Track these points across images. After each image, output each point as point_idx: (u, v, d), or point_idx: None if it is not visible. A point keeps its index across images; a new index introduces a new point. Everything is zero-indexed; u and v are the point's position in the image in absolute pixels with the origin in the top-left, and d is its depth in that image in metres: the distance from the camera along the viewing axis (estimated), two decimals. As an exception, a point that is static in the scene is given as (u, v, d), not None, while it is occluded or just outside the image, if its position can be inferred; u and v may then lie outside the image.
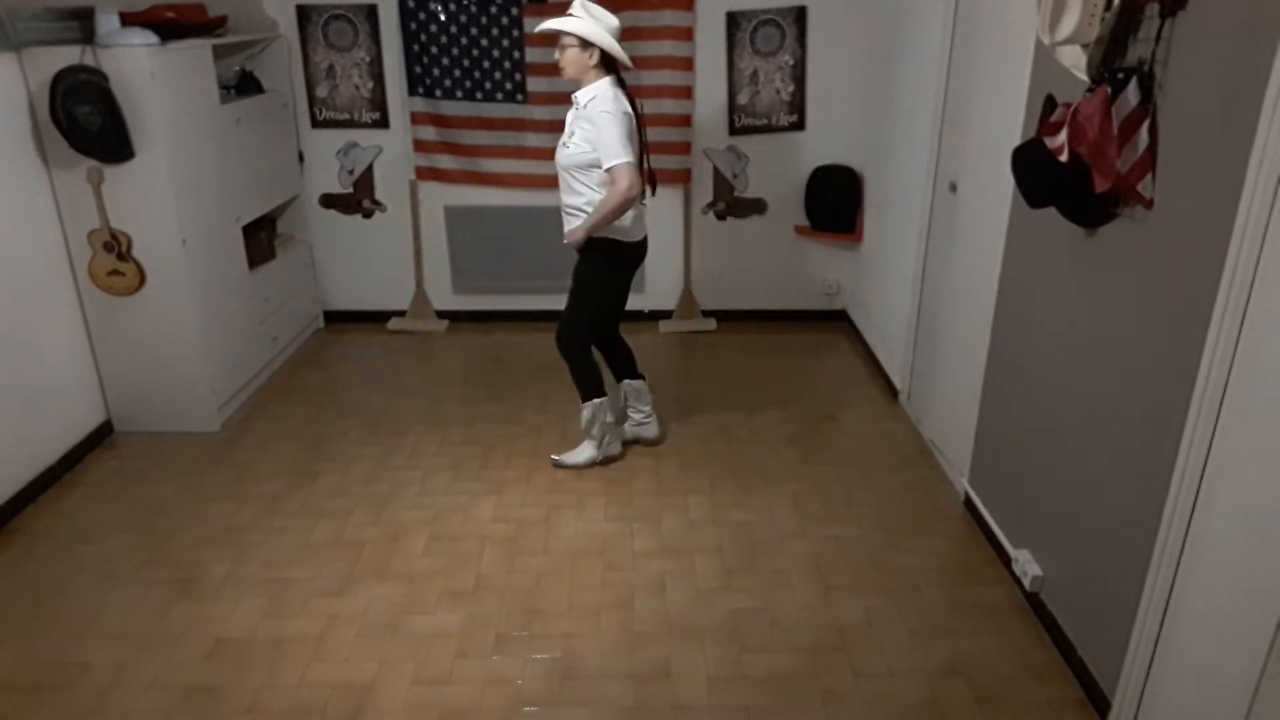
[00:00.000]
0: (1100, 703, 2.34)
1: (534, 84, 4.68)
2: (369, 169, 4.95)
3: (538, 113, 4.70)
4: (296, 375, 4.55)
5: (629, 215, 3.24)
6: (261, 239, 4.41)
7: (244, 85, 4.43)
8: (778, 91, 4.76)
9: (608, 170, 3.09)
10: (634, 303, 5.01)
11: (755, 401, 4.19)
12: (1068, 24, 2.21)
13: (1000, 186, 2.91)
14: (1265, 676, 1.76)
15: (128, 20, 3.60)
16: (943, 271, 3.62)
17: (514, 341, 4.96)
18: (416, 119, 4.78)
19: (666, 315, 5.18)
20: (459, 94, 4.72)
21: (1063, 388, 2.56)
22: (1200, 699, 1.97)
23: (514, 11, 4.55)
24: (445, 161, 4.87)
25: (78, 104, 3.30)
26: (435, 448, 3.79)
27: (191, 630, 2.70)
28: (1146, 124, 2.10)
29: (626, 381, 3.68)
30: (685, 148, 4.81)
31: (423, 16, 4.60)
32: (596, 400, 3.50)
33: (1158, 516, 2.08)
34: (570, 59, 3.13)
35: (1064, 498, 2.56)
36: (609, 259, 3.34)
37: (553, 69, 3.31)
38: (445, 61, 4.67)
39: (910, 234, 3.95)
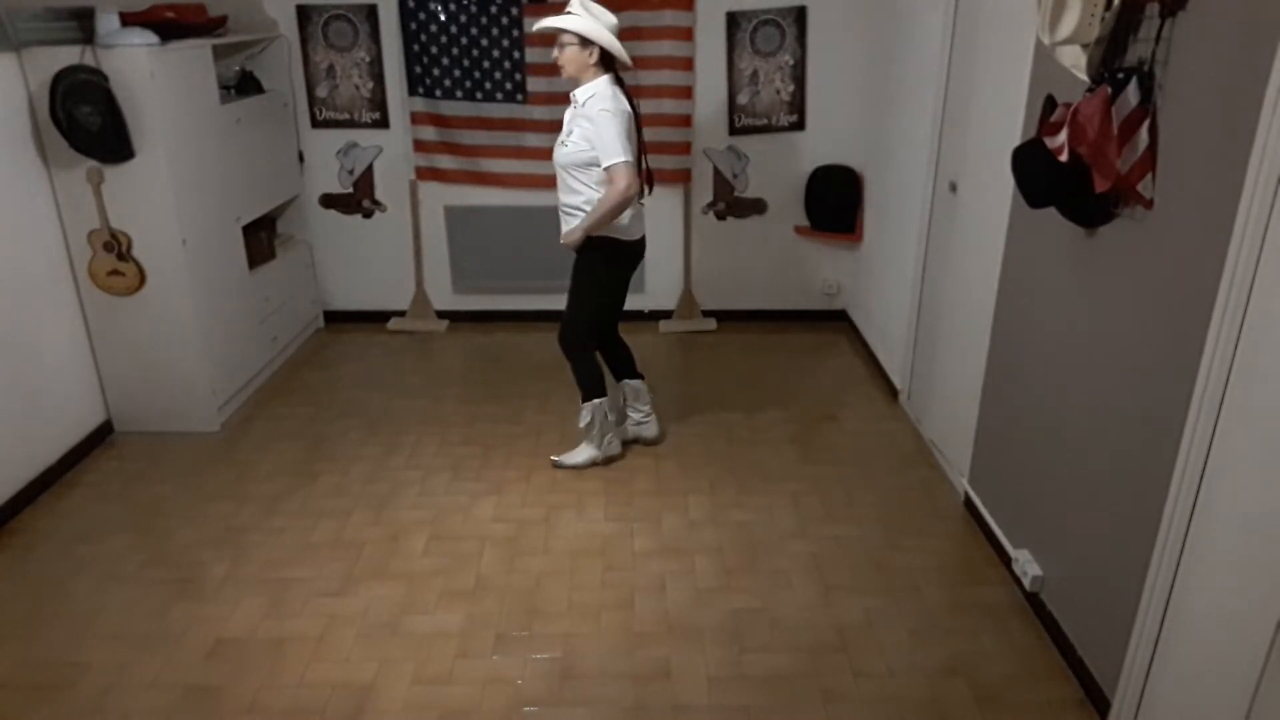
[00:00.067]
0: (1100, 703, 2.34)
1: (534, 84, 4.68)
2: (369, 169, 4.95)
3: (538, 113, 4.70)
4: (296, 375, 4.55)
5: (627, 214, 3.23)
6: (261, 239, 4.41)
7: (244, 85, 4.43)
8: (778, 91, 4.76)
9: (606, 169, 3.08)
10: (634, 303, 5.02)
11: (755, 401, 4.19)
12: (1068, 24, 2.21)
13: (1000, 186, 2.91)
14: (1265, 676, 1.76)
15: (128, 20, 3.60)
16: (943, 271, 3.62)
17: (514, 341, 4.96)
18: (416, 119, 4.78)
19: (666, 315, 5.18)
20: (459, 94, 4.72)
21: (1063, 388, 2.56)
22: (1200, 699, 1.97)
23: (514, 11, 4.55)
24: (445, 161, 4.87)
25: (78, 104, 3.30)
26: (435, 448, 3.79)
27: (191, 630, 2.70)
28: (1146, 124, 2.10)
29: (625, 381, 3.68)
30: (685, 148, 4.81)
31: (423, 16, 4.60)
32: (597, 401, 3.50)
33: (1158, 516, 2.08)
34: (570, 57, 3.12)
35: (1064, 498, 2.56)
36: (608, 258, 3.34)
37: (553, 69, 3.30)
38: (445, 61, 4.67)
39: (910, 234, 3.95)
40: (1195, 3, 1.96)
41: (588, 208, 3.20)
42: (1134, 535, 2.19)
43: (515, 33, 4.60)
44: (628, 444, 3.75)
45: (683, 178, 4.88)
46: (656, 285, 5.12)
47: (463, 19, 4.60)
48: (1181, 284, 2.01)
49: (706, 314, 5.18)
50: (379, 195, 5.00)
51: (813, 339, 4.96)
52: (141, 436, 3.89)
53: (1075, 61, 2.30)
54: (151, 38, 3.52)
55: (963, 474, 3.33)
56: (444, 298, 5.19)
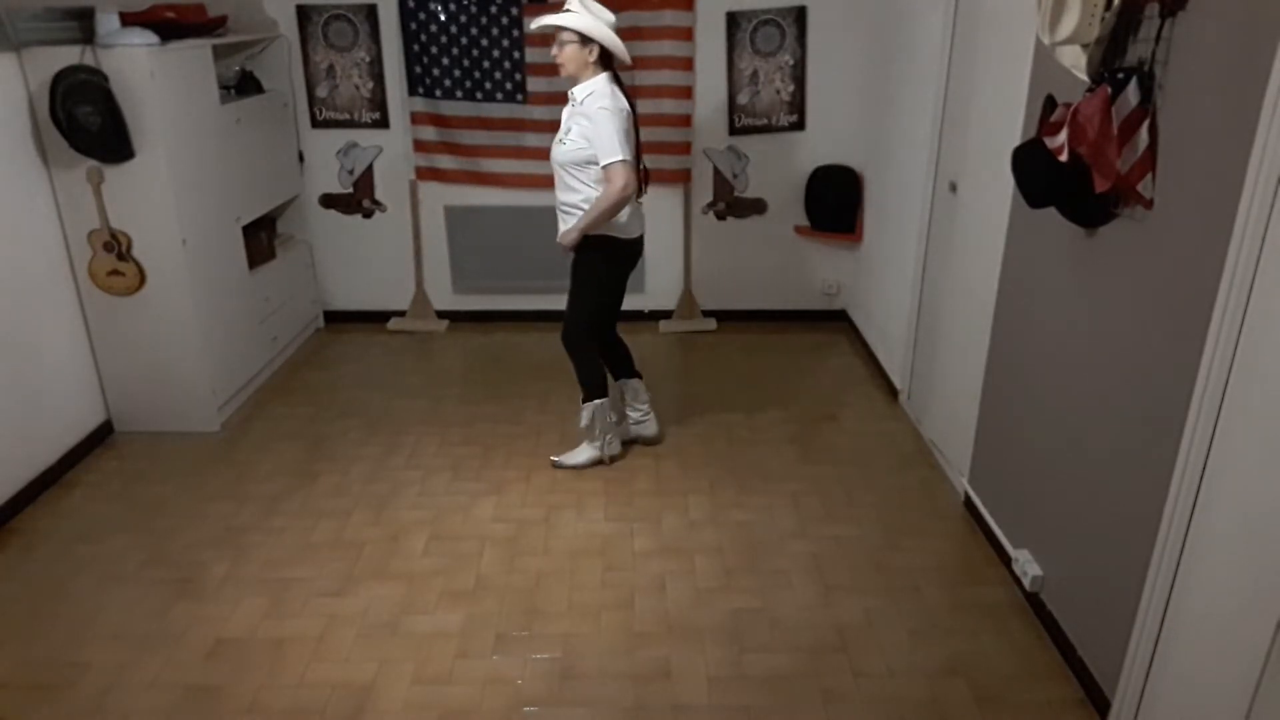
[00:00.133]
0: (1100, 703, 2.34)
1: (534, 84, 4.68)
2: (369, 169, 4.95)
3: (537, 113, 4.70)
4: (296, 375, 4.55)
5: (625, 212, 3.22)
6: (261, 239, 4.41)
7: (244, 85, 4.43)
8: (778, 91, 4.76)
9: (603, 168, 3.07)
10: (634, 303, 5.03)
11: (755, 401, 4.19)
12: (1068, 24, 2.21)
13: (1000, 186, 2.91)
14: (1265, 676, 1.76)
15: (128, 20, 3.60)
16: (943, 271, 3.62)
17: (514, 341, 4.96)
18: (416, 119, 4.78)
19: (666, 315, 5.18)
20: (459, 94, 4.72)
21: (1063, 388, 2.56)
22: (1200, 699, 1.97)
23: (514, 11, 4.55)
24: (445, 161, 4.87)
25: (78, 104, 3.30)
26: (435, 448, 3.79)
27: (191, 630, 2.70)
28: (1146, 124, 2.10)
29: (624, 380, 3.67)
30: (685, 148, 4.81)
31: (423, 16, 4.60)
32: (598, 401, 3.50)
33: (1158, 516, 2.08)
34: (570, 55, 3.11)
35: (1064, 498, 2.56)
36: (607, 257, 3.33)
37: (553, 69, 3.30)
38: (445, 61, 4.67)
39: (910, 234, 3.95)
40: (1195, 3, 1.96)
41: (586, 206, 3.19)
42: (1134, 535, 2.19)
43: (515, 33, 4.60)
44: (627, 444, 3.75)
45: (683, 178, 4.88)
46: (656, 285, 5.12)
47: (463, 19, 4.60)
48: (1181, 284, 2.01)
49: (706, 314, 5.18)
50: (379, 195, 5.00)
51: (813, 339, 4.95)
52: (141, 436, 3.89)
53: (1075, 61, 2.30)
54: (151, 38, 3.52)
55: (963, 474, 3.33)
56: (444, 298, 5.19)
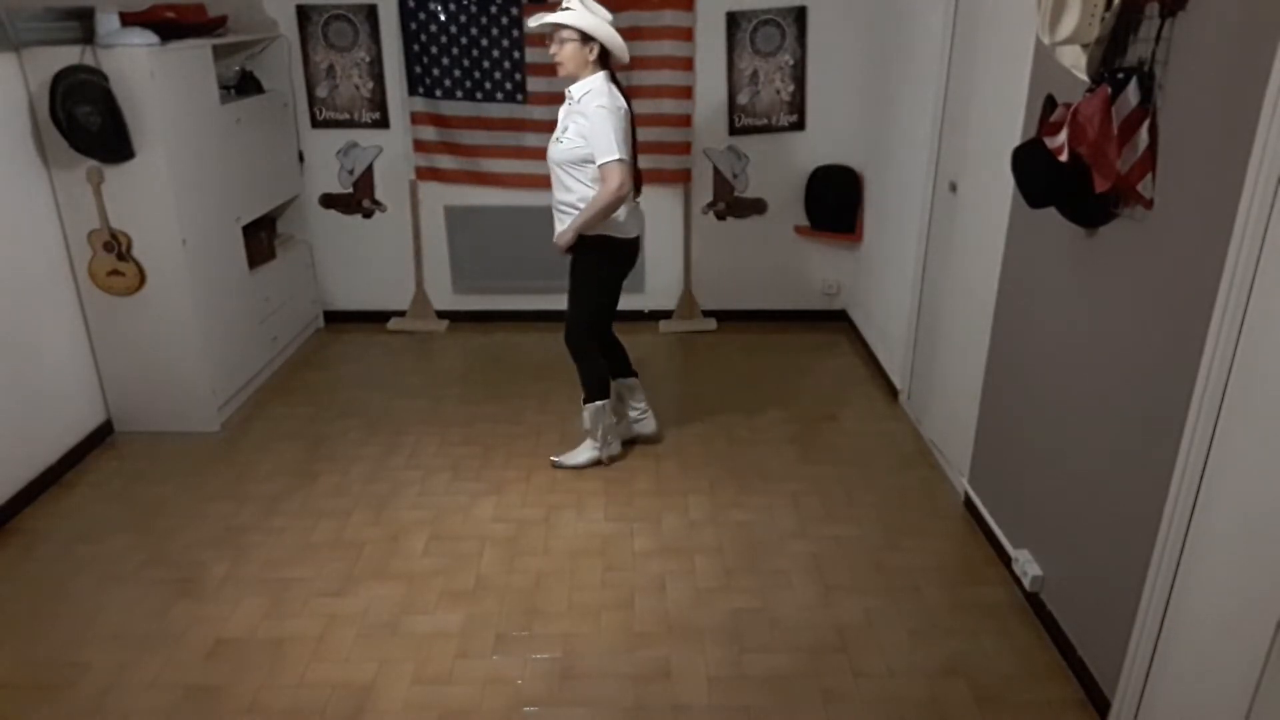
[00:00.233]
0: (1100, 703, 2.34)
1: (534, 84, 4.68)
2: (369, 169, 4.95)
3: (537, 113, 4.70)
4: (296, 375, 4.55)
5: (623, 211, 3.21)
6: (261, 239, 4.41)
7: (244, 85, 4.43)
8: (778, 91, 4.76)
9: (600, 167, 3.06)
10: (634, 303, 5.05)
11: (755, 401, 4.19)
12: (1068, 24, 2.21)
13: (1000, 186, 2.91)
14: (1265, 676, 1.76)
15: (128, 20, 3.60)
16: (943, 271, 3.62)
17: (514, 341, 4.96)
18: (416, 119, 4.78)
19: (666, 315, 5.18)
20: (459, 94, 4.72)
21: (1063, 388, 2.56)
22: (1200, 699, 1.97)
23: (514, 11, 4.55)
24: (445, 161, 4.87)
25: (78, 104, 3.30)
26: (435, 448, 3.79)
27: (191, 630, 2.70)
28: (1146, 124, 2.10)
29: (620, 380, 3.67)
30: (685, 148, 4.81)
31: (423, 16, 4.60)
32: (599, 403, 3.50)
33: (1158, 516, 2.08)
34: (570, 54, 3.10)
35: (1064, 498, 2.56)
36: (605, 257, 3.31)
37: (552, 69, 3.29)
38: (445, 61, 4.67)
39: (910, 234, 3.95)
40: (1195, 3, 1.96)
41: (582, 206, 3.18)
42: (1134, 535, 2.19)
43: (515, 33, 4.60)
44: (627, 444, 3.75)
45: (683, 178, 4.88)
46: (656, 285, 5.12)
47: (463, 19, 4.60)
48: (1181, 284, 2.01)
49: (706, 314, 5.18)
50: (379, 195, 5.00)
51: (813, 339, 4.95)
52: (141, 436, 3.89)
53: (1075, 61, 2.30)
54: (151, 38, 3.52)
55: (963, 474, 3.33)
56: (444, 298, 5.19)
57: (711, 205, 4.99)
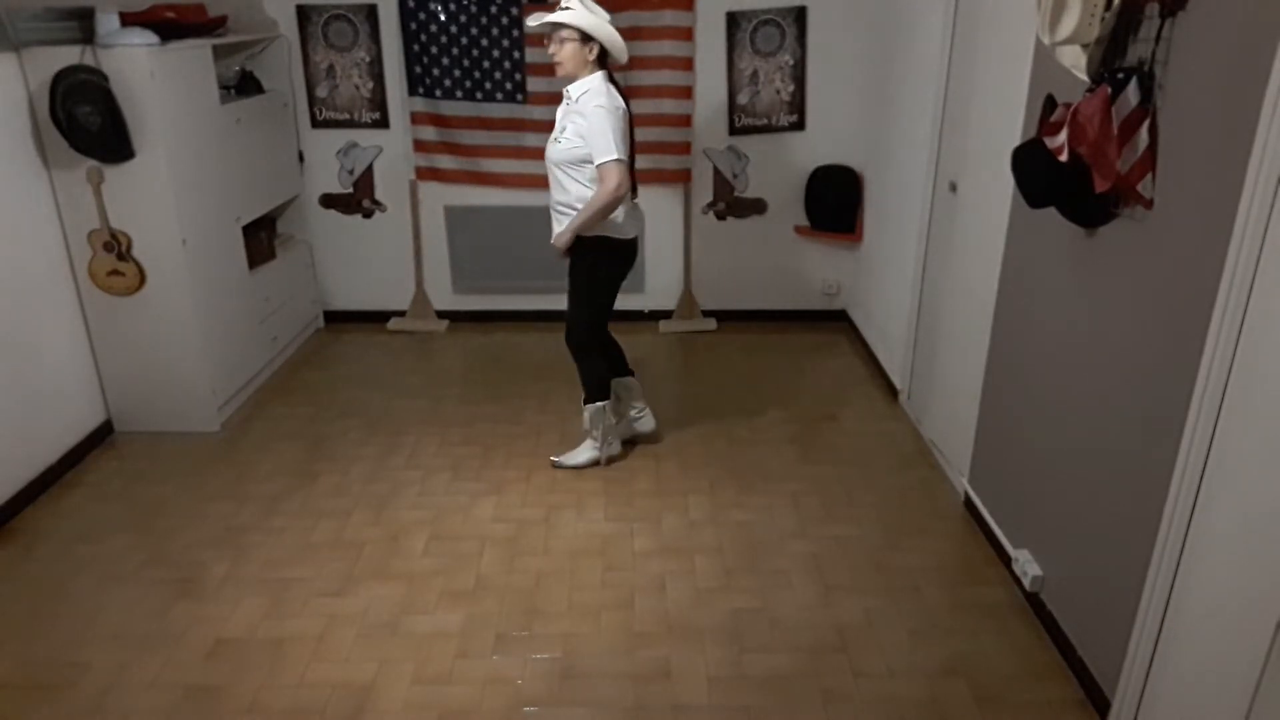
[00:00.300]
0: (1100, 703, 2.34)
1: (534, 84, 4.68)
2: (369, 169, 4.95)
3: (537, 113, 4.70)
4: (296, 375, 4.55)
5: (621, 211, 3.20)
6: (261, 239, 4.41)
7: (244, 85, 4.43)
8: (778, 91, 4.76)
9: (597, 167, 3.06)
10: (634, 303, 5.05)
11: (755, 401, 4.19)
12: (1068, 24, 2.21)
13: (1000, 186, 2.91)
14: (1265, 676, 1.76)
15: (128, 20, 3.60)
16: (943, 271, 3.62)
17: (514, 341, 4.96)
18: (416, 119, 4.78)
19: (666, 315, 5.18)
20: (459, 94, 4.72)
21: (1063, 388, 2.56)
22: (1200, 699, 1.97)
23: (514, 11, 4.55)
24: (445, 161, 4.87)
25: (78, 104, 3.30)
26: (435, 448, 3.79)
27: (191, 630, 2.70)
28: (1146, 124, 2.10)
29: (618, 379, 3.66)
30: (685, 148, 4.81)
31: (423, 16, 4.60)
32: (600, 403, 3.50)
33: (1158, 516, 2.08)
34: (569, 53, 3.09)
35: (1064, 498, 2.56)
36: (604, 258, 3.31)
37: (553, 69, 3.28)
38: (445, 61, 4.67)
39: (910, 234, 3.95)
40: (1195, 3, 1.96)
41: (580, 206, 3.17)
42: (1134, 535, 2.19)
43: (515, 33, 4.60)
44: (627, 444, 3.75)
45: (683, 178, 4.88)
46: (656, 285, 5.12)
47: (463, 19, 4.60)
48: (1181, 284, 2.01)
49: (706, 314, 5.18)
50: (379, 195, 5.00)
51: (813, 339, 4.95)
52: (141, 436, 3.89)
53: (1075, 61, 2.30)
54: (151, 38, 3.52)
55: (963, 474, 3.33)
56: (444, 298, 5.19)
57: (711, 205, 4.99)
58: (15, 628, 2.72)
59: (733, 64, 4.71)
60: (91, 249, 3.62)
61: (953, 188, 3.47)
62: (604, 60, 3.16)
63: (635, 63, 4.42)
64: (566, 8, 3.04)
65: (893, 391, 4.23)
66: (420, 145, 4.83)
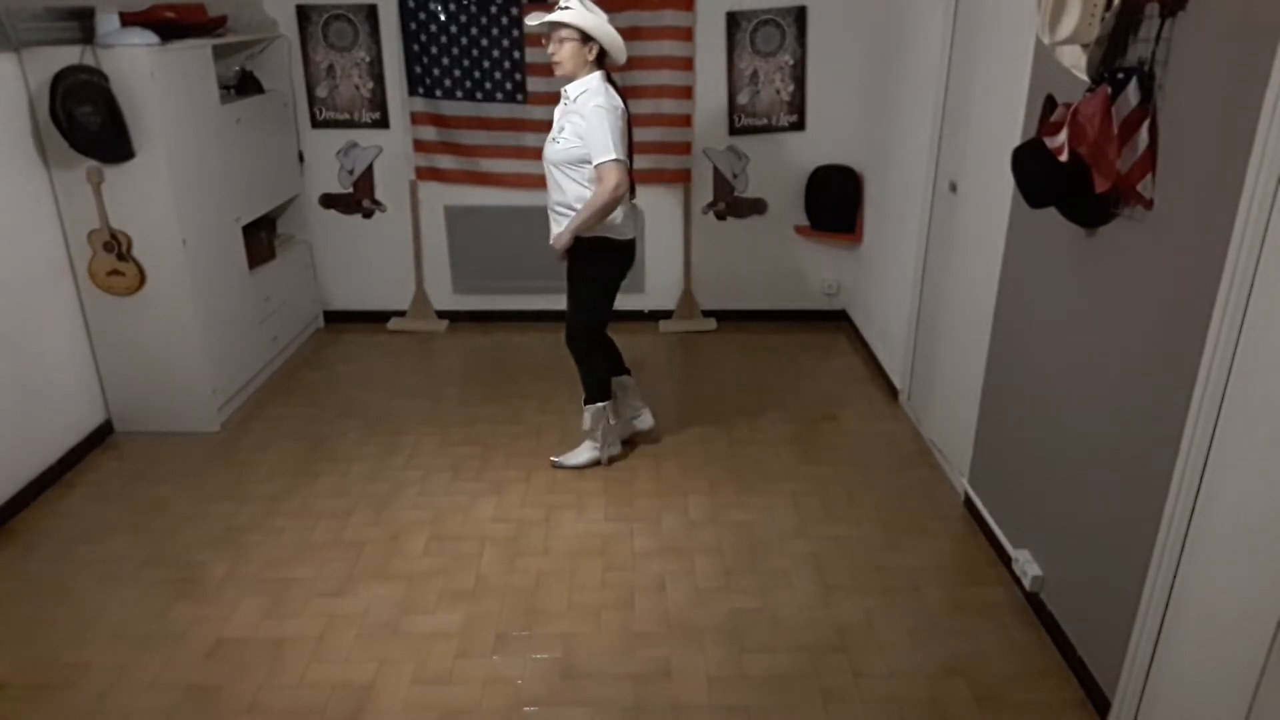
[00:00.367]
0: (1100, 703, 2.34)
1: (534, 84, 4.68)
2: (369, 169, 4.95)
3: (537, 113, 4.70)
4: (296, 375, 4.55)
5: (619, 212, 3.20)
6: (261, 239, 4.41)
7: (244, 85, 4.43)
8: (778, 91, 4.76)
9: (596, 167, 3.05)
10: (634, 303, 5.05)
11: (755, 401, 4.19)
12: (1068, 24, 2.21)
13: (1000, 186, 2.91)
14: (1265, 676, 1.76)
15: (128, 20, 3.60)
16: (943, 271, 3.62)
17: (514, 341, 4.96)
18: (416, 119, 4.78)
19: (666, 315, 5.18)
20: (459, 94, 4.72)
21: (1063, 388, 2.56)
22: (1200, 699, 1.97)
23: (514, 11, 4.55)
24: (445, 161, 4.87)
25: (78, 104, 3.30)
26: (435, 448, 3.79)
27: (191, 630, 2.70)
28: (1146, 124, 2.10)
29: (615, 378, 3.66)
30: (685, 148, 4.81)
31: (423, 16, 4.60)
32: (601, 404, 3.50)
33: (1158, 516, 2.08)
34: (569, 53, 3.08)
35: (1064, 498, 2.56)
36: (603, 259, 3.31)
37: (552, 69, 3.28)
38: (445, 61, 4.67)
39: (910, 234, 3.95)
40: (1195, 3, 1.96)
41: (579, 206, 3.16)
42: (1134, 535, 2.19)
43: (515, 33, 4.60)
44: (627, 443, 3.75)
45: (683, 178, 4.88)
46: (656, 285, 5.12)
47: (463, 19, 4.60)
48: (1181, 284, 2.01)
49: (706, 314, 5.18)
50: (379, 195, 5.00)
51: (813, 339, 4.95)
52: (141, 436, 3.89)
53: (1075, 61, 2.30)
54: (151, 38, 3.52)
55: (963, 474, 3.33)
56: (444, 298, 5.19)
57: (711, 205, 4.99)
58: (15, 628, 2.72)
59: (733, 64, 4.71)
60: (91, 249, 3.62)
61: (953, 188, 3.47)
62: (602, 60, 3.15)
63: (635, 63, 4.42)
64: (566, 7, 3.04)
65: (893, 391, 4.23)
66: (420, 145, 4.83)
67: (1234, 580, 1.87)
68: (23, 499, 3.35)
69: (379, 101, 4.81)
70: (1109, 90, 2.15)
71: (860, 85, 4.68)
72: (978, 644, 2.62)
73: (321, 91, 4.80)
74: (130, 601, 2.84)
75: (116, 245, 3.60)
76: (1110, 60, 2.22)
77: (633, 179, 3.28)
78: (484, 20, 4.59)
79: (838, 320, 5.18)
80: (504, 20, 4.58)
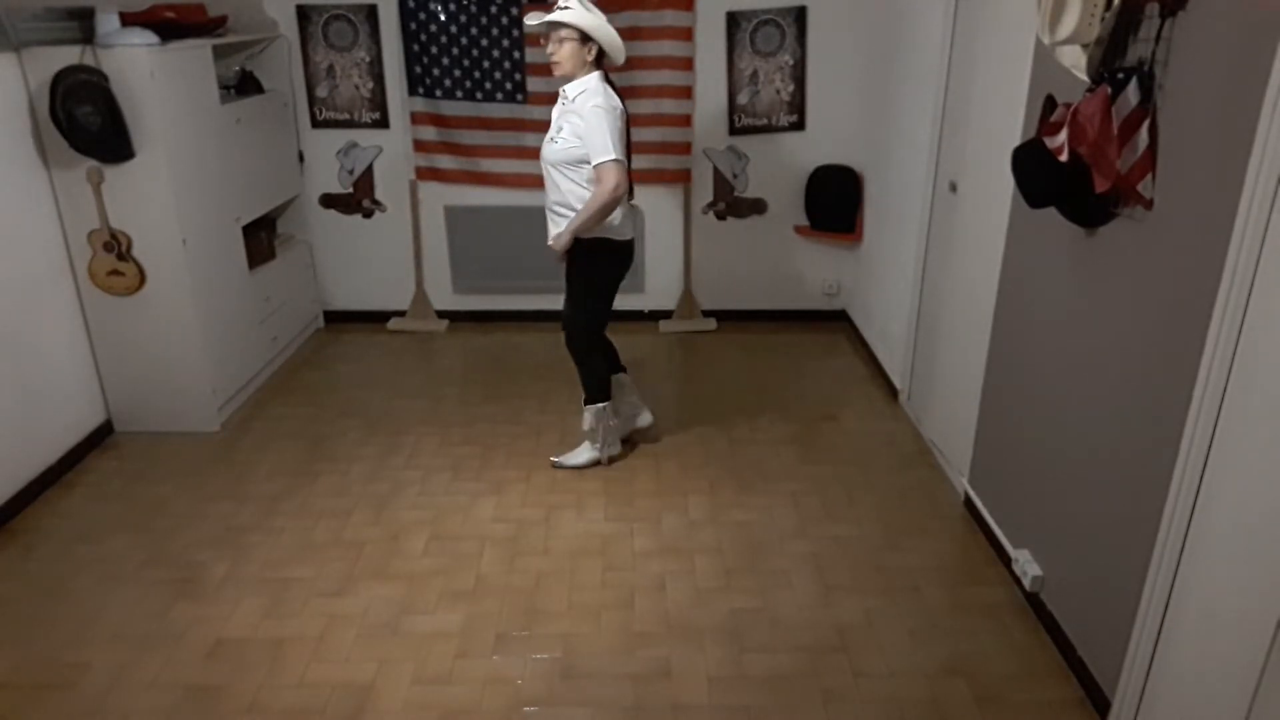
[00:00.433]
0: (1100, 703, 2.34)
1: (534, 84, 4.68)
2: (369, 169, 4.95)
3: (537, 113, 4.70)
4: (296, 375, 4.55)
5: (618, 213, 3.19)
6: (261, 239, 4.41)
7: (244, 85, 4.43)
8: (778, 91, 4.76)
9: (595, 167, 3.05)
10: (634, 303, 5.05)
11: (755, 401, 4.19)
12: (1068, 24, 2.21)
13: (1000, 186, 2.91)
14: (1265, 676, 1.76)
15: (128, 20, 3.60)
16: (943, 271, 3.62)
17: (514, 341, 4.96)
18: (416, 119, 4.78)
19: (666, 315, 5.18)
20: (459, 94, 4.72)
21: (1063, 388, 2.56)
22: (1200, 699, 1.97)
23: (514, 11, 4.55)
24: (445, 161, 4.87)
25: (78, 104, 3.30)
26: (435, 448, 3.79)
27: (191, 630, 2.70)
28: (1146, 124, 2.10)
29: (612, 376, 3.65)
30: (685, 148, 4.81)
31: (423, 16, 4.60)
32: (601, 405, 3.50)
33: (1158, 516, 2.08)
34: (568, 53, 3.07)
35: (1064, 498, 2.56)
36: (602, 259, 3.30)
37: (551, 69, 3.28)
38: (445, 61, 4.67)
39: (910, 234, 3.95)
40: (1195, 3, 1.96)
41: (577, 207, 3.15)
42: (1134, 535, 2.19)
43: (515, 33, 4.60)
44: (627, 443, 3.75)
45: (683, 178, 4.88)
46: (656, 285, 5.12)
47: (463, 19, 4.60)
48: (1181, 284, 2.01)
49: (706, 314, 5.18)
50: (379, 195, 5.00)
51: (813, 339, 4.96)
52: (141, 436, 3.89)
53: (1075, 61, 2.31)
54: (151, 38, 3.52)
55: (963, 474, 3.33)
56: (444, 298, 5.19)
57: (711, 205, 4.99)
58: (15, 628, 2.72)
59: (733, 64, 4.71)
60: (91, 249, 3.62)
61: (953, 188, 3.47)
62: (601, 61, 3.15)
63: (635, 63, 4.42)
64: (565, 7, 3.04)
65: (893, 391, 4.23)
66: (420, 145, 4.83)
67: (1234, 580, 1.87)
68: (23, 499, 3.35)
69: (379, 101, 4.81)
70: (1109, 90, 2.15)
71: (860, 85, 4.68)
72: (978, 644, 2.62)
73: (321, 91, 4.80)
74: (130, 601, 2.84)
75: (116, 245, 3.60)
76: (1110, 60, 2.22)
77: (631, 179, 3.28)
78: (484, 20, 4.59)
79: (838, 320, 5.18)
80: (504, 20, 4.58)
